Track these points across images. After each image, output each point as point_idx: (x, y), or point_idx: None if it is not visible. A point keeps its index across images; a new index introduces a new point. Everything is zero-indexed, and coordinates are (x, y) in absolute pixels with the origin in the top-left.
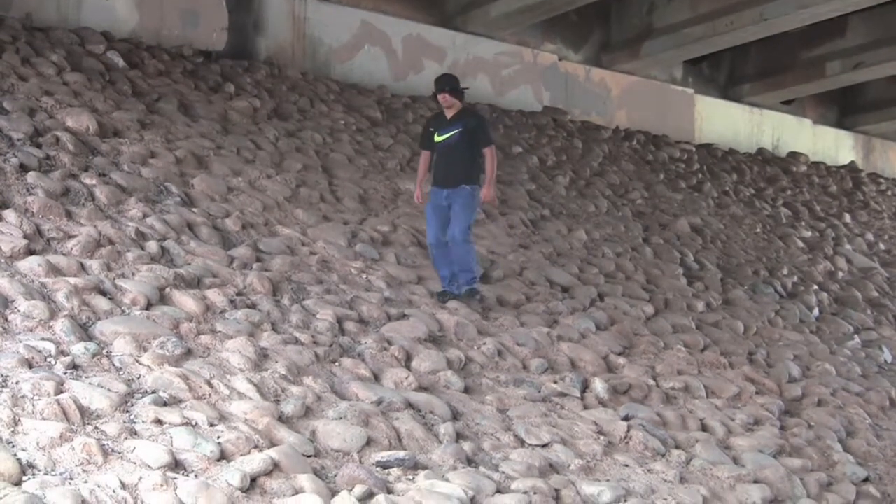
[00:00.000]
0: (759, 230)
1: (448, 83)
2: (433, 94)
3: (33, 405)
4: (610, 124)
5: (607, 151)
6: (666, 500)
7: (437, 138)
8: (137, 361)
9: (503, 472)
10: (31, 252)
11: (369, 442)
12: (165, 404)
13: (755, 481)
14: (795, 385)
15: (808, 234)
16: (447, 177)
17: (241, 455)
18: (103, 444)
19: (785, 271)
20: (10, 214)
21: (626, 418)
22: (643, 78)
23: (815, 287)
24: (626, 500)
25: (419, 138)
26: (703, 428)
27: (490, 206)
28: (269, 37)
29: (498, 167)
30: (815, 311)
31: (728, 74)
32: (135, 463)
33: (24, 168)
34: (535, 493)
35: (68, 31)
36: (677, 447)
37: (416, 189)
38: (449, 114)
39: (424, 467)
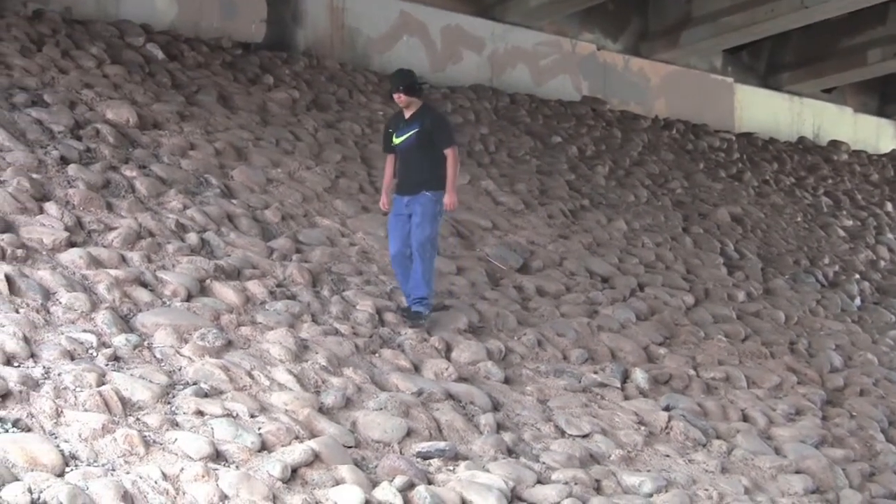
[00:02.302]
0: (799, 219)
1: (402, 81)
2: (388, 93)
3: (75, 397)
4: (649, 114)
5: (646, 141)
6: (707, 490)
7: (395, 140)
8: (178, 353)
9: (544, 463)
10: (72, 244)
11: (410, 433)
12: (206, 395)
13: (797, 471)
14: (837, 375)
15: (849, 223)
16: (407, 183)
17: (282, 446)
18: (145, 436)
19: (826, 260)
20: (51, 207)
21: (666, 408)
22: (682, 67)
23: (857, 276)
24: (667, 491)
25: (382, 140)
26: (745, 418)
27: (450, 213)
28: (307, 28)
29: (538, 157)
30: (857, 301)
31: (768, 63)
32: (176, 454)
33: (64, 160)
34: (575, 484)
35: (108, 24)
36: (718, 437)
37: (382, 196)
38: (407, 113)
39: (465, 458)
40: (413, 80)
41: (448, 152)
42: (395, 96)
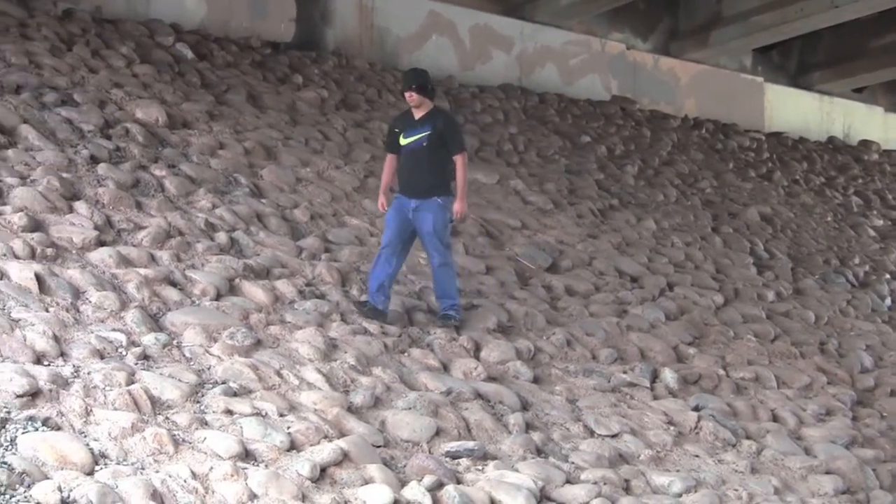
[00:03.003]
0: (829, 219)
1: (416, 79)
2: (401, 90)
3: (105, 395)
4: (678, 113)
5: (676, 140)
6: (737, 490)
7: (402, 141)
8: (207, 352)
9: (573, 463)
10: (101, 243)
11: (438, 432)
12: (236, 395)
13: (827, 472)
14: (867, 375)
15: (879, 222)
16: (414, 185)
17: (311, 445)
18: (174, 435)
19: (856, 260)
20: (81, 206)
21: (696, 408)
22: (712, 66)
23: (888, 276)
24: (696, 491)
25: (385, 139)
26: (774, 418)
27: (459, 222)
28: (336, 27)
29: (567, 156)
30: (888, 301)
31: (798, 62)
32: (205, 453)
33: (94, 160)
34: (604, 484)
35: (137, 23)
36: (748, 437)
37: (380, 196)
38: (417, 114)
39: (494, 457)
40: (427, 80)
41: (458, 158)
42: (407, 95)
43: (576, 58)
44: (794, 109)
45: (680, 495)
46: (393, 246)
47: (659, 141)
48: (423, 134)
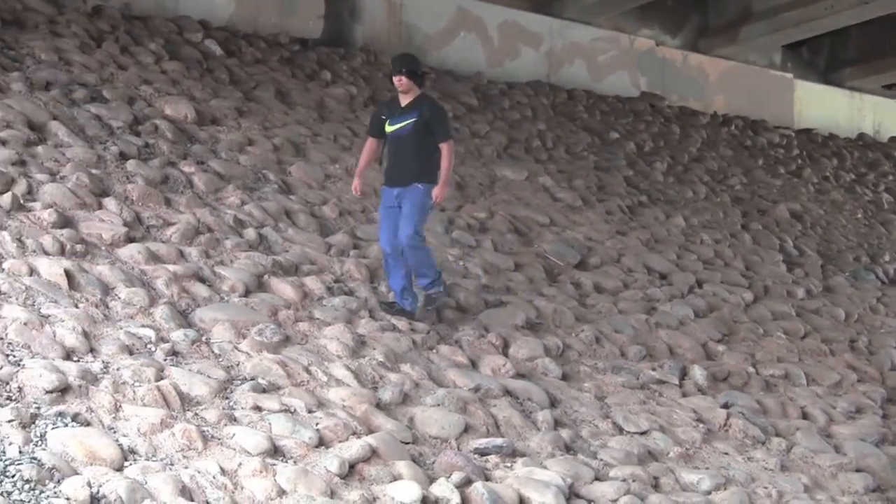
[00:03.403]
0: (860, 216)
1: (406, 64)
2: (388, 75)
3: (134, 391)
4: (707, 110)
5: (705, 137)
6: (766, 488)
7: (388, 128)
8: (236, 348)
9: (601, 460)
10: (130, 239)
11: (467, 429)
12: (264, 391)
13: (857, 470)
14: None
15: None
16: (398, 173)
17: (340, 441)
18: (203, 431)
19: (887, 257)
20: (110, 202)
21: (725, 406)
22: (741, 63)
23: None
24: (725, 488)
25: (369, 123)
26: (804, 416)
27: (439, 206)
28: (365, 24)
29: (596, 153)
30: None
31: (828, 59)
32: (234, 449)
33: (123, 156)
34: (633, 481)
35: (166, 20)
36: (777, 435)
37: (356, 179)
38: (404, 100)
39: (522, 454)
40: (417, 65)
41: (444, 146)
42: (396, 79)
43: (604, 54)
44: (824, 106)
45: (709, 493)
46: (393, 247)
47: (688, 137)
48: (410, 121)
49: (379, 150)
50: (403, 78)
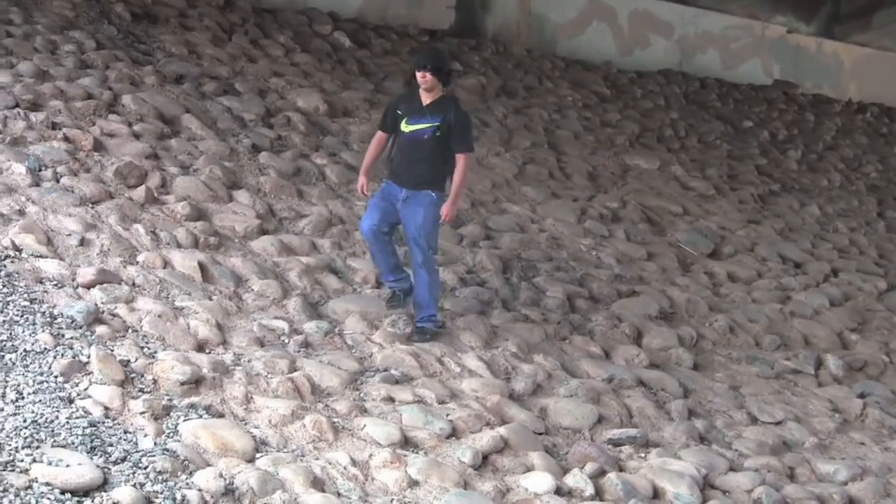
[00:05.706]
0: None
1: (432, 59)
2: (411, 69)
3: (266, 383)
4: (842, 97)
5: (839, 125)
6: None
7: (404, 126)
8: (369, 339)
9: (736, 450)
10: (263, 232)
11: (600, 419)
12: (396, 382)
13: None
14: None
15: None
16: (408, 175)
17: (472, 432)
18: (334, 422)
19: None
20: (242, 195)
21: (861, 396)
22: (876, 49)
23: None
24: (862, 479)
25: (381, 115)
26: None
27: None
28: (495, 14)
29: (728, 141)
30: None
31: None
32: (365, 440)
33: (256, 148)
34: (768, 471)
35: (296, 13)
36: None
37: (361, 176)
38: (426, 98)
39: (656, 445)
40: (445, 61)
41: (462, 157)
42: (420, 74)
43: (737, 42)
44: None
45: (845, 483)
46: (377, 232)
47: (822, 125)
48: (433, 125)
49: (387, 146)
50: (428, 75)
